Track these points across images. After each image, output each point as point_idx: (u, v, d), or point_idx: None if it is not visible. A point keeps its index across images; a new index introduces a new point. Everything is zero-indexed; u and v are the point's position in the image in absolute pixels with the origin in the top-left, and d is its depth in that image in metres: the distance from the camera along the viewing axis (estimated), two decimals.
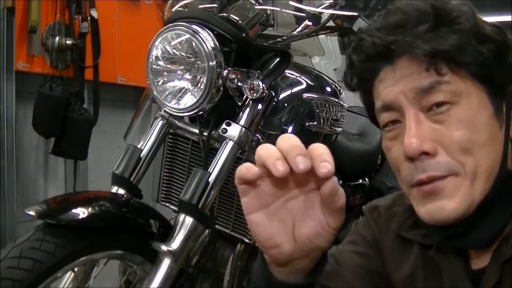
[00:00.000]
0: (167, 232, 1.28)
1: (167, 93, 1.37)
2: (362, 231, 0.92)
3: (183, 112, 1.37)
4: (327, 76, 1.70)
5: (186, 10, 1.48)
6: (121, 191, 1.36)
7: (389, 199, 0.92)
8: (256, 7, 1.43)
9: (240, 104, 1.38)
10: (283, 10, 1.55)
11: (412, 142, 0.69)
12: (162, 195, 1.58)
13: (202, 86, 1.32)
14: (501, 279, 0.70)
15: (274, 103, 1.45)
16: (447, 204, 0.69)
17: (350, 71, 0.79)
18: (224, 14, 1.39)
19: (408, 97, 0.71)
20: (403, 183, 0.75)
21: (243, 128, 1.35)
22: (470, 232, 0.72)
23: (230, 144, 1.33)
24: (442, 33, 0.69)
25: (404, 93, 0.71)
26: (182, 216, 1.28)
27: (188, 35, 1.32)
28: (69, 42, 2.30)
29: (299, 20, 1.52)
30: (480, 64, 0.70)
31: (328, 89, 1.63)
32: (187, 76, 1.35)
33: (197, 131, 1.42)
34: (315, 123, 1.53)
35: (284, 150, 0.59)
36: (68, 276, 1.26)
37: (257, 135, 1.42)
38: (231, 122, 1.35)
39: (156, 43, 1.36)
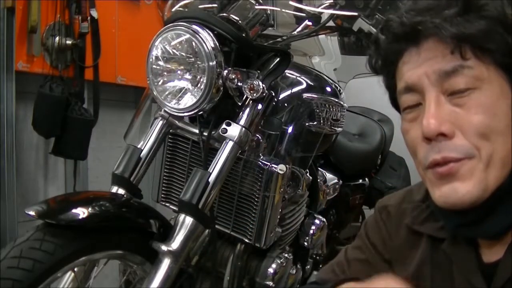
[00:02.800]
0: (167, 232, 1.28)
1: (167, 93, 1.37)
2: (370, 234, 0.93)
3: (183, 112, 1.37)
4: (327, 76, 1.70)
5: (186, 10, 1.48)
6: (121, 191, 1.36)
7: (398, 197, 0.93)
8: (256, 7, 1.43)
9: (240, 104, 1.38)
10: (283, 10, 1.55)
11: (430, 123, 0.70)
12: (162, 195, 1.58)
13: (202, 86, 1.32)
14: None
15: (274, 103, 1.45)
16: (461, 187, 0.70)
17: (375, 52, 0.80)
18: (224, 14, 1.39)
19: (430, 79, 0.72)
20: (419, 166, 0.76)
21: (243, 128, 1.35)
22: (484, 220, 0.72)
23: (230, 144, 1.33)
24: (470, 18, 0.70)
25: (427, 75, 0.72)
26: (182, 216, 1.28)
27: (188, 35, 1.32)
28: (69, 42, 2.30)
29: (299, 20, 1.52)
30: (505, 53, 0.71)
31: (328, 89, 1.63)
32: (187, 76, 1.35)
33: (197, 131, 1.42)
34: (315, 123, 1.53)
35: None
36: (68, 276, 1.26)
37: (257, 135, 1.43)
38: (231, 122, 1.35)
39: (156, 43, 1.36)
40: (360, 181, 2.10)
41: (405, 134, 0.78)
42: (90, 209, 1.19)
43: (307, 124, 1.51)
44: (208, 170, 1.31)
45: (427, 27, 0.71)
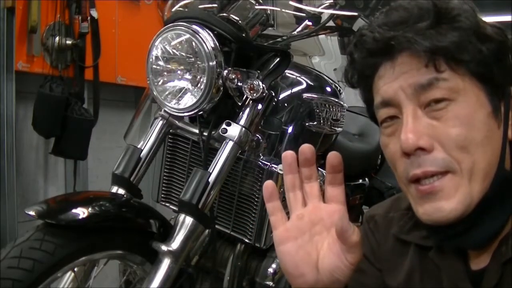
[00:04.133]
0: (167, 232, 1.28)
1: (167, 93, 1.37)
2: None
3: (183, 112, 1.37)
4: (327, 76, 1.70)
5: (186, 10, 1.48)
6: (121, 191, 1.36)
7: (385, 207, 0.93)
8: (256, 7, 1.43)
9: (240, 104, 1.38)
10: (283, 10, 1.55)
11: (408, 138, 0.69)
12: (162, 195, 1.58)
13: (202, 86, 1.32)
14: (501, 279, 0.70)
15: (274, 103, 1.45)
16: (446, 205, 0.69)
17: (351, 67, 0.80)
18: (224, 14, 1.39)
19: (406, 93, 0.71)
20: (400, 180, 0.75)
21: (243, 128, 1.35)
22: (469, 231, 0.72)
23: (230, 144, 1.33)
24: (443, 30, 0.70)
25: (403, 89, 0.71)
26: (182, 216, 1.28)
27: (188, 35, 1.32)
28: (69, 42, 2.30)
29: (299, 20, 1.52)
30: (479, 63, 0.70)
31: (328, 89, 1.63)
32: (187, 76, 1.35)
33: (197, 131, 1.42)
34: (315, 123, 1.53)
35: None
36: (68, 276, 1.26)
37: (257, 135, 1.43)
38: (231, 122, 1.35)
39: (156, 43, 1.36)
40: (360, 181, 2.10)
41: (385, 148, 0.77)
42: (90, 209, 1.19)
43: (307, 124, 1.51)
44: (208, 170, 1.31)
45: (400, 41, 0.70)
